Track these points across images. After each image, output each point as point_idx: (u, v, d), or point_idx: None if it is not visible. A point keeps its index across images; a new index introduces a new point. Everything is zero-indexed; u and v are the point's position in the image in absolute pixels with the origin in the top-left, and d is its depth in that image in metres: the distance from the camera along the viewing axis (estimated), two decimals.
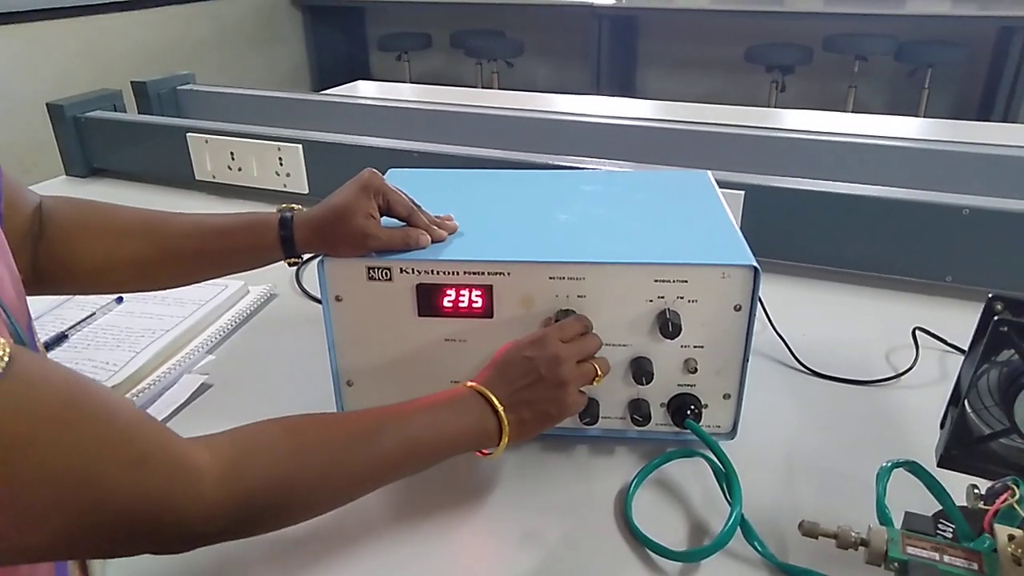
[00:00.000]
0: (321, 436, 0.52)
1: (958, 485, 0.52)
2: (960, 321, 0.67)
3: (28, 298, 0.59)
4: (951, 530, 0.51)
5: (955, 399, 0.54)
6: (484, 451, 0.60)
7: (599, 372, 0.63)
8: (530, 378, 0.59)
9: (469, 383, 0.59)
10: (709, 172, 0.83)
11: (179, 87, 1.61)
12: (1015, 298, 0.50)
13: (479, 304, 0.64)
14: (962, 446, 0.53)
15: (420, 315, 0.65)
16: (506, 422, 0.57)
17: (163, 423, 0.46)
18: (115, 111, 1.45)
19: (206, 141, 1.29)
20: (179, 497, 0.43)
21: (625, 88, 4.37)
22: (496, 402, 0.57)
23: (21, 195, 0.62)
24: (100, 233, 0.66)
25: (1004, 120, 3.27)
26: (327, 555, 0.58)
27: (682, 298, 0.62)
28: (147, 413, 0.45)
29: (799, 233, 0.98)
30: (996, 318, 0.49)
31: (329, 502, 0.53)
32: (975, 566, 0.46)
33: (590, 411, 0.66)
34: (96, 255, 0.65)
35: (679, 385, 0.66)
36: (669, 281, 0.62)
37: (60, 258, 0.64)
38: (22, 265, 0.61)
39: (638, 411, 0.66)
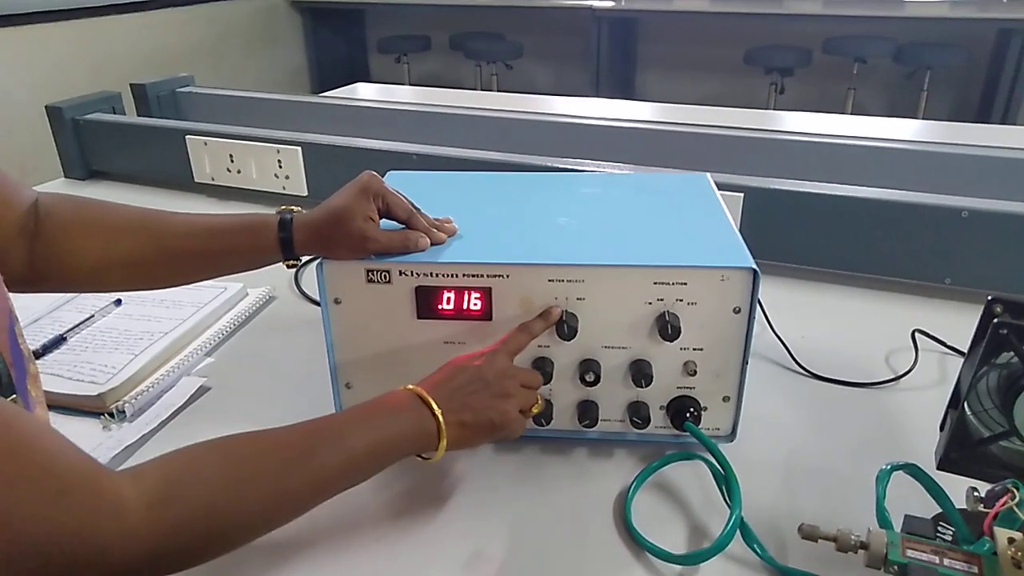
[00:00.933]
0: (254, 458, 0.50)
1: (958, 488, 0.52)
2: (959, 323, 0.67)
3: (27, 298, 0.58)
4: (951, 533, 0.51)
5: (955, 402, 0.54)
6: (424, 455, 0.58)
7: (538, 401, 0.64)
8: (476, 384, 0.59)
9: (409, 386, 0.58)
10: (708, 174, 0.83)
11: (178, 89, 1.61)
12: (1014, 300, 0.50)
13: (478, 307, 0.64)
14: (962, 449, 0.53)
15: (419, 317, 0.65)
16: (443, 424, 0.56)
17: (88, 454, 0.44)
18: (114, 113, 1.45)
19: (205, 143, 1.29)
20: (103, 531, 0.41)
21: (624, 90, 4.37)
22: (434, 404, 0.57)
23: (15, 192, 0.62)
24: (98, 231, 0.65)
25: (1003, 122, 3.27)
26: (323, 557, 0.58)
27: (681, 300, 0.62)
28: (72, 444, 0.44)
29: (798, 235, 0.98)
30: (995, 320, 0.49)
31: (268, 525, 0.51)
32: (975, 569, 0.46)
33: (589, 414, 0.66)
34: (93, 253, 0.65)
35: (678, 388, 0.66)
36: (668, 283, 0.62)
37: (57, 255, 0.63)
38: (17, 262, 0.61)
39: (637, 414, 0.66)
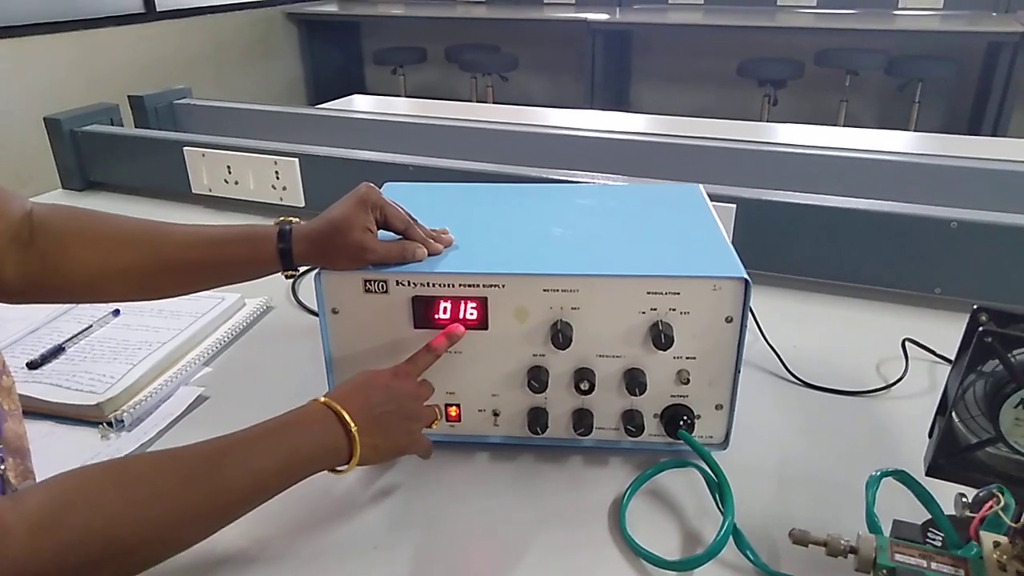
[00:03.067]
0: (152, 478, 0.48)
1: (947, 494, 0.52)
2: (949, 332, 0.67)
3: (26, 308, 0.58)
4: (940, 538, 0.51)
5: (942, 409, 0.55)
6: (336, 469, 0.58)
7: (437, 417, 0.66)
8: (390, 406, 0.60)
9: (322, 398, 0.58)
10: (701, 186, 0.84)
11: (176, 101, 1.62)
12: (1000, 309, 0.51)
13: (474, 316, 0.65)
14: (949, 455, 0.54)
15: (416, 327, 0.66)
16: (358, 443, 0.56)
17: None
18: (112, 125, 1.46)
19: (203, 155, 1.30)
20: None
21: (619, 102, 4.40)
22: (348, 418, 0.56)
23: (6, 201, 0.62)
24: (95, 241, 0.65)
25: (993, 134, 3.31)
26: (320, 564, 0.58)
27: (674, 310, 0.63)
28: None
29: (790, 246, 1.00)
30: (981, 329, 0.50)
31: (169, 548, 0.49)
32: (962, 573, 0.46)
33: (584, 422, 0.67)
34: (91, 264, 0.64)
35: (672, 396, 0.67)
36: (661, 293, 0.63)
37: (53, 266, 0.63)
38: (10, 272, 0.61)
39: (631, 422, 0.67)
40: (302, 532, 0.61)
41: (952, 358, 0.53)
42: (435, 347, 0.65)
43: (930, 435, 0.56)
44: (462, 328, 0.65)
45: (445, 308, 0.65)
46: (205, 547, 0.57)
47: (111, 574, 0.46)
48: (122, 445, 0.71)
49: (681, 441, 0.66)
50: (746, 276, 0.62)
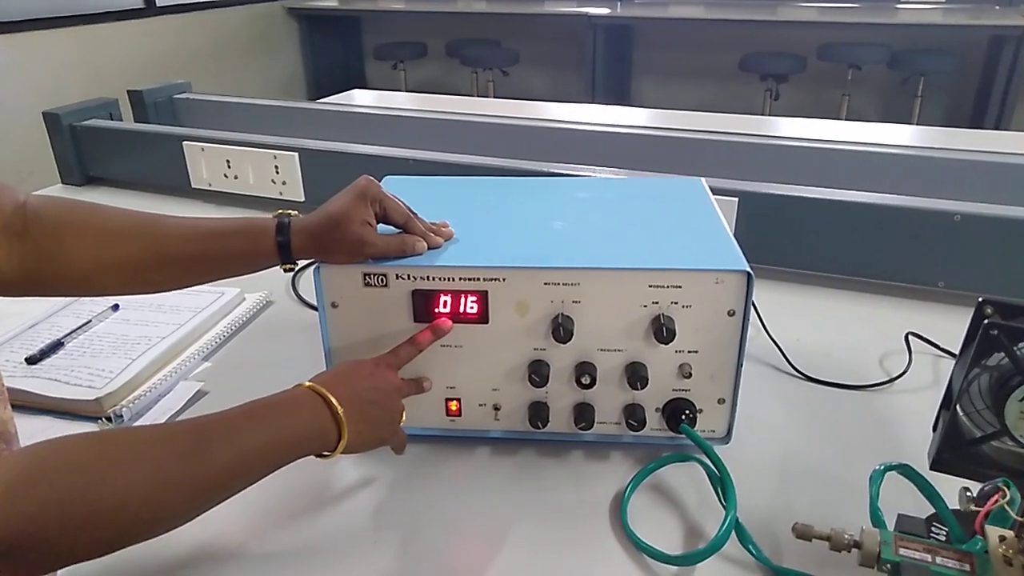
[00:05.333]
0: (134, 446, 0.47)
1: (951, 488, 0.52)
2: (952, 326, 0.67)
3: (25, 303, 0.57)
4: (944, 533, 0.51)
5: (947, 402, 0.54)
6: (322, 454, 0.57)
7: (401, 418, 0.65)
8: (375, 395, 0.60)
9: (307, 383, 0.58)
10: (703, 179, 0.83)
11: (175, 96, 1.62)
12: (1005, 302, 0.51)
13: (474, 310, 0.65)
14: (954, 449, 0.53)
15: (416, 321, 0.65)
16: (346, 428, 0.56)
17: None
18: (111, 120, 1.45)
19: (202, 149, 1.29)
20: None
21: (620, 97, 4.39)
22: (335, 402, 0.56)
23: None
24: (91, 233, 0.64)
25: (996, 127, 3.30)
26: (320, 560, 0.58)
27: (676, 303, 0.63)
28: None
29: (792, 239, 0.99)
30: (986, 322, 0.50)
31: (154, 519, 0.48)
32: (967, 567, 0.46)
33: (585, 416, 0.66)
34: (86, 256, 0.63)
35: (674, 390, 0.66)
36: (663, 286, 0.62)
37: (49, 257, 0.62)
38: (3, 262, 0.60)
39: (633, 416, 0.66)
40: (303, 527, 0.61)
41: (956, 352, 0.53)
42: (420, 341, 0.64)
43: (934, 429, 0.56)
44: (450, 322, 0.65)
45: (445, 302, 0.65)
46: (204, 543, 0.58)
47: (91, 544, 0.45)
48: None
49: (683, 435, 0.65)
50: (748, 269, 0.61)
